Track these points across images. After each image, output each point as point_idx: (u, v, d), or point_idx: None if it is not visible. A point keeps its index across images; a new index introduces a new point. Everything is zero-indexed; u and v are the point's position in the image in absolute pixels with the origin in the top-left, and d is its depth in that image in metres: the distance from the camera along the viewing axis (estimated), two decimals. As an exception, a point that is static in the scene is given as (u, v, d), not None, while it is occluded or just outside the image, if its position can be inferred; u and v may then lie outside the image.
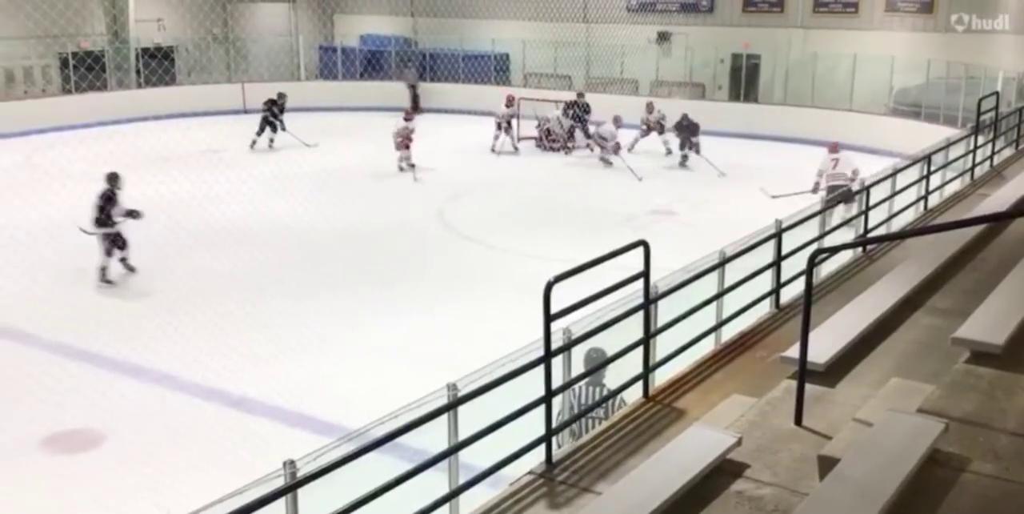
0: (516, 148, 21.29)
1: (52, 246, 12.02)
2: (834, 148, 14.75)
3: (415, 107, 26.00)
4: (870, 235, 9.13)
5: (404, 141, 18.82)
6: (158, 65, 25.31)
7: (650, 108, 21.19)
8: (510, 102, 21.33)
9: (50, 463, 7.56)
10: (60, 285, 10.79)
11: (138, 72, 26.05)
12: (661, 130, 20.65)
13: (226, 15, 28.73)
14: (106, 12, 26.92)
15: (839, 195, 12.69)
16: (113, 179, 12.06)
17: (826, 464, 4.42)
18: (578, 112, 21.53)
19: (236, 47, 28.53)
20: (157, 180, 14.06)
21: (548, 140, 21.57)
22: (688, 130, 19.61)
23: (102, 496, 6.90)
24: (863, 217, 9.21)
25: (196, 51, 27.68)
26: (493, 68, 27.65)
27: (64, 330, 9.96)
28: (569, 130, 21.45)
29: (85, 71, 24.18)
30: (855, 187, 11.35)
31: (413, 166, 18.64)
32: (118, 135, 20.27)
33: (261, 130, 21.05)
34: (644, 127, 21.09)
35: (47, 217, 12.36)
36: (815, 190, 14.12)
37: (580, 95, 22.28)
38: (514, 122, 21.39)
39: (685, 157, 19.58)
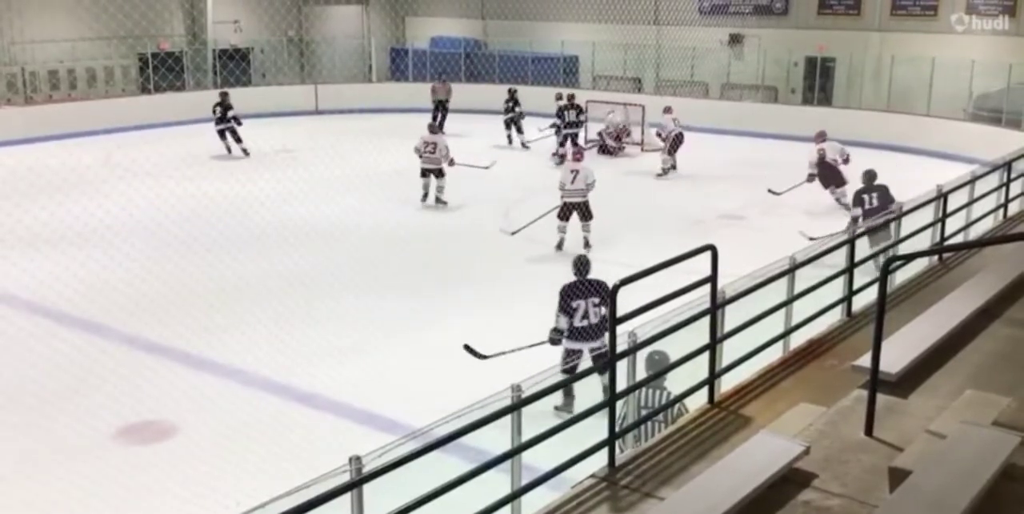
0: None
1: (130, 242, 12.36)
2: (576, 157, 14.23)
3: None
4: (947, 243, 8.91)
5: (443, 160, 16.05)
6: (235, 66, 25.88)
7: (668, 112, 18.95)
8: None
9: (124, 453, 7.77)
10: (136, 279, 11.07)
11: (215, 73, 26.66)
12: (673, 146, 18.50)
13: (300, 17, 29.24)
14: (185, 14, 27.63)
15: (575, 208, 13.53)
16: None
17: (897, 476, 4.33)
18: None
19: (310, 49, 29.02)
20: (232, 178, 14.38)
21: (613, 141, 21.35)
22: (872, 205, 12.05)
23: (173, 487, 7.07)
24: (940, 224, 9.00)
25: (271, 53, 28.23)
26: (562, 70, 27.64)
27: (140, 323, 10.23)
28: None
29: (164, 71, 24.83)
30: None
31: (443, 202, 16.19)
32: (195, 134, 20.87)
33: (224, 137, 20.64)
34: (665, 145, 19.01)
35: (127, 213, 12.70)
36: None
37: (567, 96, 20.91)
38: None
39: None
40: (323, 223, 13.91)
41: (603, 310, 8.06)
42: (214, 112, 20.51)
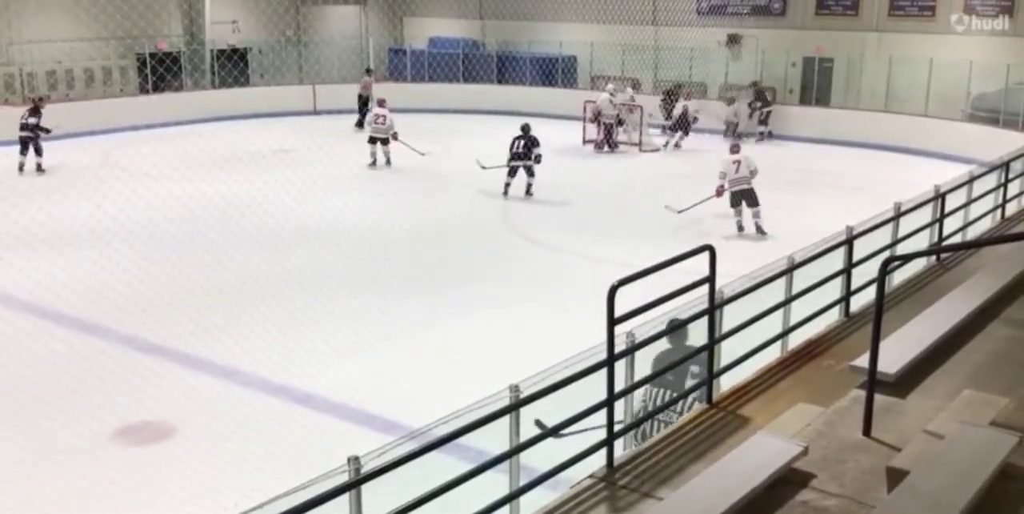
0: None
1: (128, 242, 12.36)
2: (734, 149, 15.13)
3: (360, 124, 23.14)
4: (945, 243, 8.92)
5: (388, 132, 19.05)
6: (233, 66, 25.86)
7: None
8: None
9: (123, 454, 7.76)
10: (135, 280, 11.06)
11: (213, 73, 26.65)
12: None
13: (299, 17, 29.21)
14: (183, 14, 27.60)
15: (742, 196, 14.51)
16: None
17: (895, 476, 4.34)
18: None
19: (308, 49, 28.99)
20: (230, 179, 14.39)
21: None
22: None
23: (172, 488, 7.07)
24: (938, 225, 9.00)
25: (269, 53, 28.20)
26: (560, 71, 27.65)
27: (138, 324, 10.22)
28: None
29: (163, 72, 24.82)
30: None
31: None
32: (193, 134, 20.86)
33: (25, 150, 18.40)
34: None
35: (124, 213, 12.70)
36: (719, 193, 14.75)
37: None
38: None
39: None
40: (320, 223, 13.91)
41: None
42: (26, 118, 18.27)
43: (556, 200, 17.07)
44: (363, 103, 23.92)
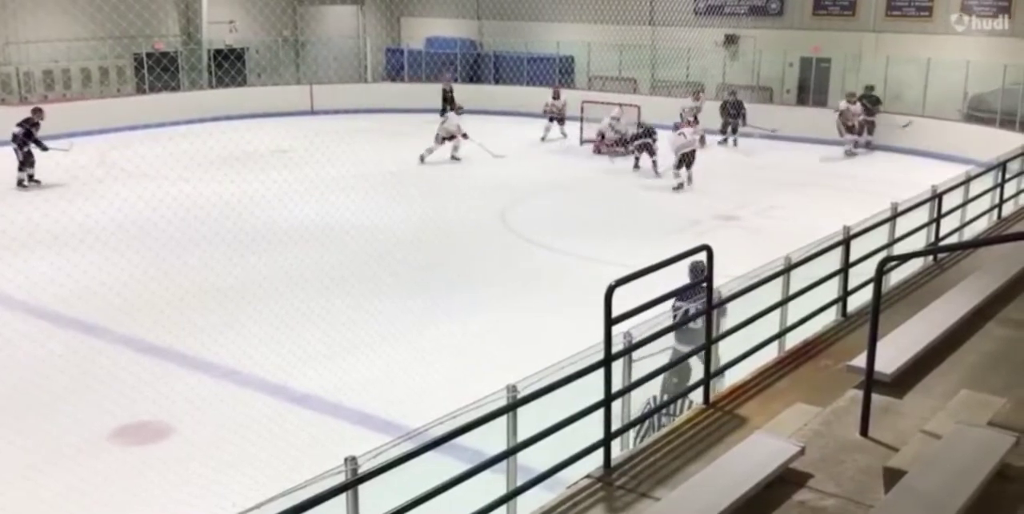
0: (564, 134, 22.65)
1: (125, 242, 12.35)
2: (692, 123, 18.88)
3: (441, 112, 24.00)
4: (941, 243, 8.93)
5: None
6: (230, 66, 25.81)
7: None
8: (556, 95, 23.14)
9: (121, 454, 7.75)
10: (132, 280, 11.06)
11: (210, 73, 26.62)
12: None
13: (296, 17, 29.19)
14: (180, 14, 27.58)
15: (691, 157, 17.37)
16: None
17: (892, 476, 4.34)
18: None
19: (305, 49, 28.97)
20: (228, 179, 14.37)
21: (603, 144, 21.48)
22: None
23: (170, 488, 7.06)
24: (934, 225, 9.01)
25: (266, 53, 28.18)
26: (558, 71, 27.65)
27: (135, 324, 10.22)
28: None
29: (160, 71, 24.78)
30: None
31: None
32: (190, 134, 20.80)
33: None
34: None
35: (122, 214, 12.69)
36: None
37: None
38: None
39: None
40: (317, 224, 13.90)
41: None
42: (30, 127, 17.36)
43: (554, 200, 17.08)
44: (444, 98, 24.96)
